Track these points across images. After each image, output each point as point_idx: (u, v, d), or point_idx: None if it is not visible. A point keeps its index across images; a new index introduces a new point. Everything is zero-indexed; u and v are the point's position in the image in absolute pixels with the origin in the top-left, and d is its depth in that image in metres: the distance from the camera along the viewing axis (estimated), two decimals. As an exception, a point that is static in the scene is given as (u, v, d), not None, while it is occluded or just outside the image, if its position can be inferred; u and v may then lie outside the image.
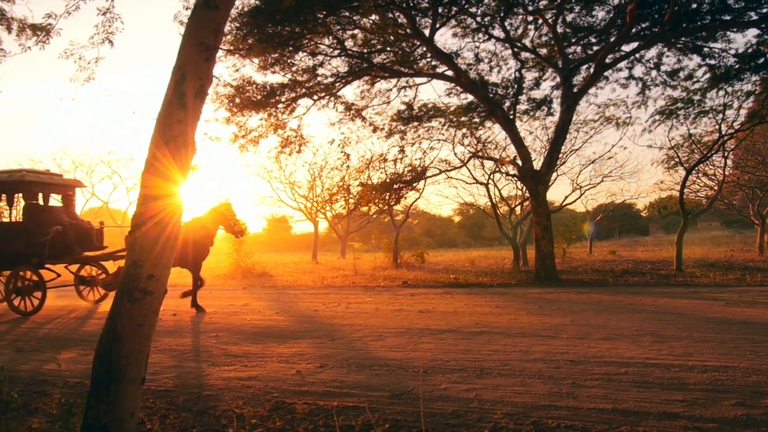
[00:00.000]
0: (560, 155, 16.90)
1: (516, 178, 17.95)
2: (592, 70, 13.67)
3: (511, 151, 15.90)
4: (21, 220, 9.49)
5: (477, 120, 16.84)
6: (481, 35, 14.52)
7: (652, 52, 14.56)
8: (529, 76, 15.90)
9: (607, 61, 13.41)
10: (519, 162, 14.14)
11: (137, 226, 2.76)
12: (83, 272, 10.68)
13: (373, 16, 12.64)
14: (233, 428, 3.50)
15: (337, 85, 14.78)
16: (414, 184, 16.77)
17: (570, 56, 14.33)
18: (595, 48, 14.34)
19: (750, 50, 13.09)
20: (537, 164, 14.39)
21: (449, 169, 17.38)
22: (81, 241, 9.98)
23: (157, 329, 3.18)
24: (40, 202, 9.76)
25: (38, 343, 6.66)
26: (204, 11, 2.90)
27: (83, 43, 5.14)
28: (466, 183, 20.28)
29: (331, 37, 13.30)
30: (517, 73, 15.11)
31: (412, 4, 12.58)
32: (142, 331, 2.72)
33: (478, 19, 13.86)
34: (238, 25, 12.29)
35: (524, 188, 18.69)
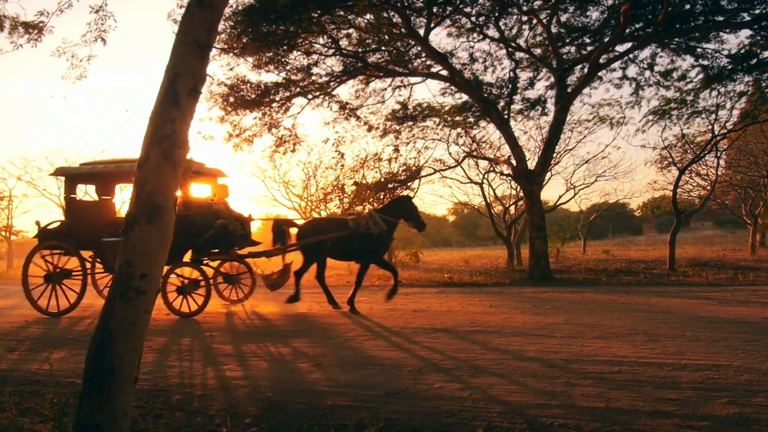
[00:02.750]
0: (554, 155, 16.93)
1: (510, 178, 18.01)
2: (586, 70, 13.72)
3: (506, 150, 15.94)
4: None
5: (471, 119, 16.86)
6: (475, 35, 14.55)
7: (645, 53, 14.65)
8: (524, 76, 15.94)
9: (601, 61, 13.46)
10: (513, 162, 14.17)
11: (130, 226, 2.75)
12: (225, 268, 9.92)
13: (368, 16, 12.64)
14: (227, 428, 3.49)
15: (331, 84, 14.77)
16: (409, 184, 16.78)
17: (564, 56, 14.37)
18: (589, 48, 14.39)
19: (743, 51, 13.19)
20: (531, 164, 14.41)
21: (444, 168, 17.41)
22: (240, 236, 9.30)
23: (150, 328, 3.17)
24: (190, 192, 9.07)
25: (31, 342, 6.62)
26: (198, 9, 2.89)
27: (76, 41, 5.11)
28: (461, 182, 20.28)
29: (325, 37, 13.28)
30: (511, 72, 15.14)
31: (406, 4, 12.57)
32: (135, 330, 2.71)
33: (473, 18, 13.87)
34: (232, 23, 12.25)
35: (518, 188, 18.72)
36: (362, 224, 8.32)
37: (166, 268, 8.51)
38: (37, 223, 9.65)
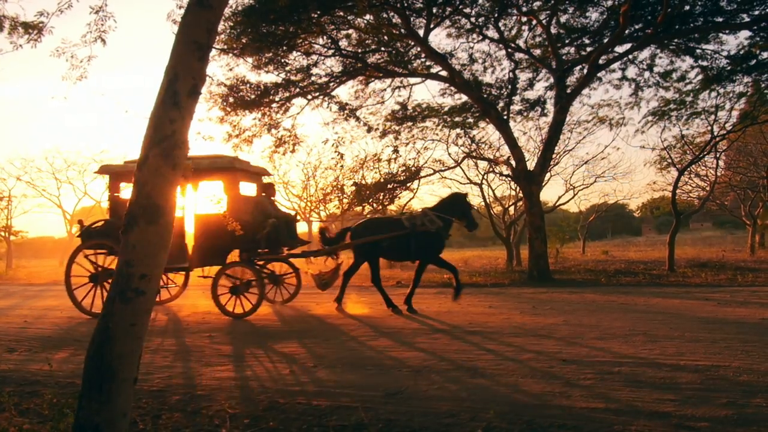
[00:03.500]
0: (553, 156, 16.94)
1: (509, 179, 18.00)
2: (585, 71, 13.73)
3: (505, 151, 15.96)
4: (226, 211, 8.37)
5: (471, 120, 16.87)
6: (475, 36, 14.56)
7: (645, 54, 14.67)
8: (523, 76, 15.94)
9: (601, 62, 13.47)
10: (513, 162, 14.17)
11: (130, 226, 2.75)
12: (269, 268, 9.56)
13: (368, 16, 12.65)
14: (226, 428, 3.49)
15: (331, 84, 14.77)
16: (408, 184, 16.79)
17: (564, 57, 14.38)
18: (588, 49, 14.40)
19: (742, 52, 13.20)
20: (530, 164, 14.42)
21: (443, 169, 17.42)
22: (290, 235, 9.04)
23: (149, 329, 3.17)
24: (240, 191, 8.89)
25: (30, 342, 6.61)
26: (197, 10, 2.89)
27: (75, 42, 5.11)
28: (460, 183, 20.28)
29: (325, 37, 13.28)
30: (510, 73, 15.14)
31: (406, 5, 12.58)
32: (134, 331, 2.71)
33: (473, 19, 13.88)
34: (231, 24, 12.25)
35: (518, 188, 18.73)
36: (418, 223, 8.20)
37: (216, 268, 8.48)
38: (80, 222, 9.44)
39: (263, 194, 9.10)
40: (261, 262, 8.82)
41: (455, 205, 8.55)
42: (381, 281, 8.65)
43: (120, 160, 32.19)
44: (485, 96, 14.84)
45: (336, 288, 8.94)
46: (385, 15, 12.77)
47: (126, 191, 9.24)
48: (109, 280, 8.55)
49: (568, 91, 13.76)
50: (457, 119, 16.68)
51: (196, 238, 8.58)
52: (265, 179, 9.77)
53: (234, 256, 8.86)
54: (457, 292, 8.31)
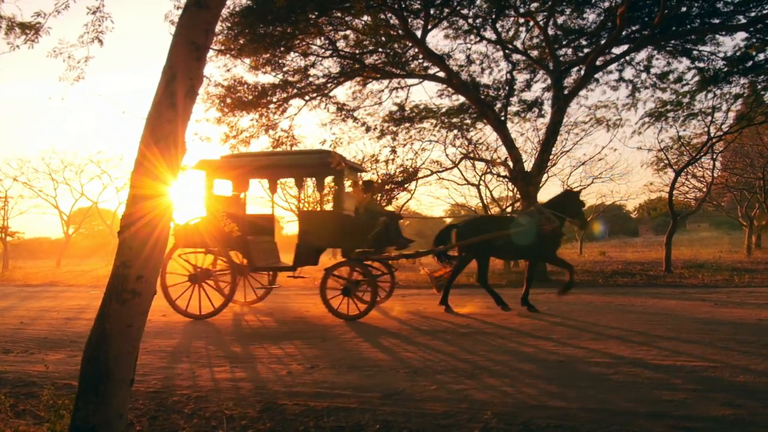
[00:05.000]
0: (551, 157, 16.97)
1: (507, 180, 18.03)
2: (582, 72, 13.76)
3: (503, 152, 15.97)
4: (332, 208, 8.15)
5: (468, 121, 16.90)
6: (472, 37, 14.59)
7: (642, 55, 14.73)
8: (521, 77, 15.99)
9: (598, 63, 13.51)
10: (510, 163, 14.19)
11: (126, 227, 2.74)
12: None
13: (365, 17, 12.65)
14: (223, 429, 3.48)
15: (328, 85, 14.78)
16: (405, 185, 16.80)
17: (561, 58, 14.42)
18: (585, 50, 14.44)
19: (738, 53, 13.25)
20: (528, 165, 14.44)
21: (441, 170, 17.44)
22: (397, 234, 8.66)
23: (146, 330, 3.16)
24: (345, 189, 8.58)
25: (26, 344, 6.59)
26: (195, 11, 2.89)
27: (72, 42, 5.09)
28: (458, 184, 20.33)
29: (323, 38, 13.29)
30: (508, 74, 15.18)
31: (404, 6, 12.60)
32: (130, 332, 2.70)
33: (470, 20, 13.91)
34: (229, 24, 12.25)
35: (515, 189, 18.75)
36: (534, 220, 8.01)
37: (322, 265, 8.32)
38: (173, 220, 9.23)
39: (365, 192, 8.78)
40: (369, 262, 8.41)
41: (568, 202, 8.30)
42: (488, 280, 8.48)
43: (117, 161, 32.27)
44: (483, 97, 14.86)
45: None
46: (382, 16, 12.78)
47: (220, 188, 9.03)
48: (209, 280, 8.41)
49: (566, 92, 13.79)
50: (454, 120, 16.69)
51: (300, 236, 8.24)
52: (364, 176, 9.48)
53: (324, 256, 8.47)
54: (567, 288, 8.15)
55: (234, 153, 10.35)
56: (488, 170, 18.47)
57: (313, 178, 8.68)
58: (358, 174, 9.51)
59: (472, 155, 17.78)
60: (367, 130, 16.29)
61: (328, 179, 8.43)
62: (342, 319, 7.74)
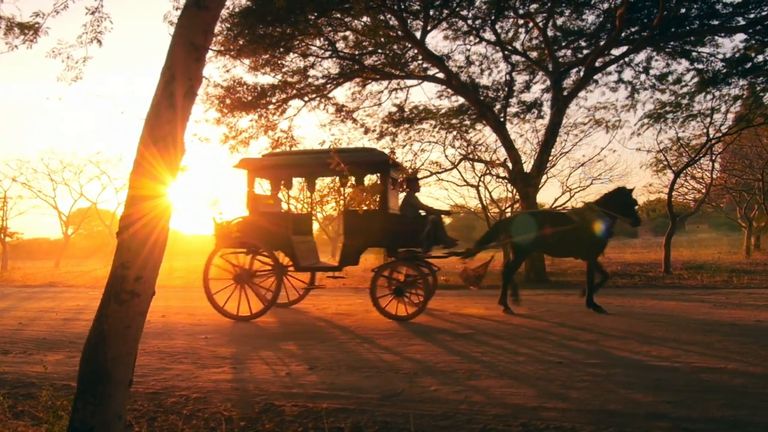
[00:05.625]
0: (550, 158, 16.97)
1: (506, 181, 18.03)
2: (581, 73, 13.77)
3: (502, 153, 15.97)
4: (378, 207, 7.98)
5: (468, 122, 16.89)
6: (472, 38, 14.60)
7: (641, 56, 14.71)
8: (520, 79, 15.99)
9: (597, 64, 13.52)
10: (509, 164, 14.19)
11: (125, 228, 2.74)
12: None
13: (365, 18, 12.66)
14: (222, 431, 3.48)
15: (328, 86, 14.78)
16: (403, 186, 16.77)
17: (560, 59, 14.43)
18: (585, 51, 14.44)
19: (737, 55, 13.26)
20: (527, 166, 14.45)
21: (440, 171, 17.42)
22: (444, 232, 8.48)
23: (145, 331, 3.16)
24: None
25: (25, 344, 6.58)
26: (194, 11, 2.89)
27: (71, 43, 5.09)
28: (457, 185, 20.30)
29: (322, 39, 13.29)
30: (507, 75, 15.19)
31: (403, 7, 12.60)
32: (129, 333, 2.70)
33: (469, 21, 13.92)
34: (228, 25, 12.25)
35: (514, 190, 18.76)
36: (588, 217, 7.89)
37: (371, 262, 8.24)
38: (215, 219, 9.15)
39: (408, 190, 8.56)
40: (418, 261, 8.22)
41: (620, 200, 8.12)
42: (512, 277, 8.37)
43: (116, 162, 32.27)
44: (482, 98, 14.87)
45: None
46: (382, 17, 12.79)
47: (260, 187, 8.96)
48: (255, 280, 8.29)
49: (565, 93, 13.79)
50: (454, 121, 16.70)
51: (346, 236, 8.16)
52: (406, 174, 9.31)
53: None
54: (594, 289, 8.05)
55: (275, 151, 10.25)
56: (487, 171, 18.46)
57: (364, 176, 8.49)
58: (401, 172, 9.35)
59: (471, 156, 17.78)
60: (366, 131, 16.29)
61: (380, 177, 8.25)
62: (393, 320, 7.60)
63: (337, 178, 8.97)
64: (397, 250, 8.08)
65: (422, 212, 8.35)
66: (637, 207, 8.31)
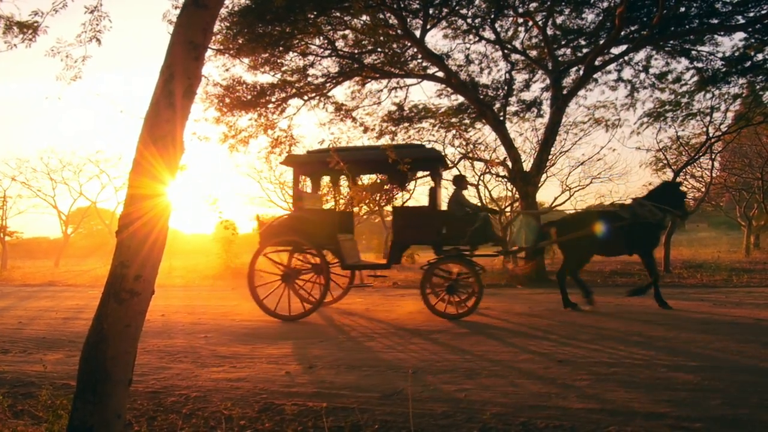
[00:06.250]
0: (550, 156, 16.98)
1: (506, 179, 18.04)
2: (581, 72, 13.77)
3: (501, 152, 15.99)
4: (428, 203, 7.96)
5: (467, 121, 16.89)
6: (471, 37, 14.59)
7: (640, 55, 14.70)
8: (519, 77, 15.99)
9: (597, 63, 13.51)
10: (509, 163, 14.19)
11: (124, 226, 2.74)
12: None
13: (364, 17, 12.64)
14: (222, 430, 3.48)
15: (327, 85, 14.77)
16: (405, 185, 16.77)
17: (560, 58, 14.43)
18: (584, 50, 14.44)
19: (737, 54, 13.25)
20: (527, 165, 14.45)
21: (439, 170, 17.39)
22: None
23: (144, 330, 3.16)
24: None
25: (24, 343, 6.58)
26: (193, 10, 2.88)
27: (70, 41, 5.08)
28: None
29: (321, 38, 13.28)
30: (507, 74, 15.18)
31: (402, 5, 12.59)
32: (128, 332, 2.69)
33: (469, 20, 13.92)
34: (228, 24, 12.24)
35: (514, 189, 18.76)
36: (638, 213, 7.77)
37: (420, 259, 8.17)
38: (258, 217, 8.88)
39: (456, 186, 8.46)
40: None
41: (669, 193, 8.04)
42: (566, 278, 8.30)
43: (116, 161, 32.25)
44: (482, 97, 14.86)
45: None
46: (381, 16, 12.78)
47: (306, 184, 8.85)
48: (301, 278, 8.23)
49: (564, 92, 13.79)
50: (453, 120, 16.69)
51: (396, 233, 8.07)
52: (454, 171, 9.41)
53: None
54: (641, 292, 8.03)
55: (322, 148, 10.18)
56: (487, 170, 18.47)
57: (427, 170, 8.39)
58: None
59: (471, 155, 17.78)
60: (366, 130, 16.28)
61: (431, 174, 8.17)
62: (444, 318, 7.51)
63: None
64: (443, 248, 8.01)
65: (468, 210, 8.23)
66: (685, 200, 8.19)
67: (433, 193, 7.96)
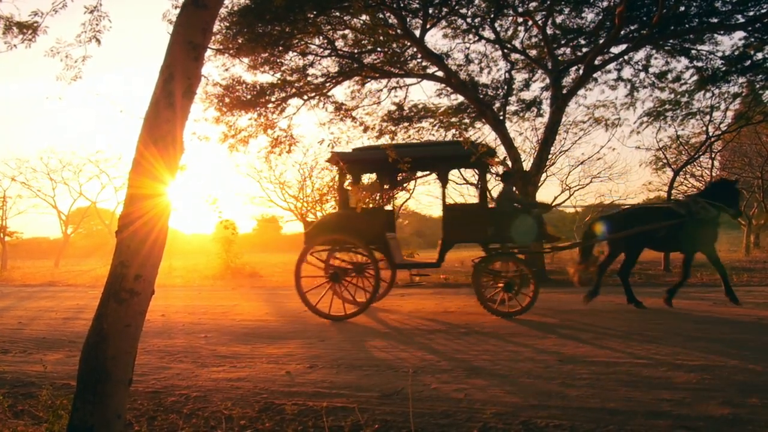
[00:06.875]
0: (549, 156, 16.99)
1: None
2: (581, 71, 13.76)
3: (501, 151, 15.98)
4: (478, 201, 7.88)
5: (467, 121, 16.89)
6: (471, 36, 14.59)
7: (640, 54, 14.71)
8: (519, 77, 15.99)
9: (596, 62, 13.51)
10: (509, 162, 14.19)
11: (124, 226, 2.74)
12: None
13: (364, 17, 12.64)
14: (222, 430, 3.47)
15: (327, 85, 14.76)
16: (404, 185, 16.78)
17: (559, 58, 14.42)
18: (584, 50, 14.44)
19: (736, 53, 13.26)
20: (527, 165, 14.44)
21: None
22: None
23: (144, 330, 3.16)
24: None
25: (24, 344, 6.58)
26: (192, 10, 2.88)
27: (70, 42, 5.07)
28: (456, 183, 20.30)
29: (321, 37, 13.28)
30: (507, 74, 15.19)
31: (402, 5, 12.59)
32: (129, 332, 2.69)
33: (469, 20, 13.91)
34: (227, 24, 12.23)
35: (514, 188, 18.76)
36: (694, 210, 7.68)
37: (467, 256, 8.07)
38: (305, 217, 8.80)
39: (504, 183, 8.39)
40: (522, 256, 7.96)
41: (725, 191, 7.93)
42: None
43: (116, 161, 32.24)
44: (481, 96, 14.86)
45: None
46: (381, 15, 12.77)
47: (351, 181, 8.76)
48: (349, 277, 8.10)
49: (564, 91, 13.79)
50: (453, 120, 16.69)
51: (446, 230, 7.90)
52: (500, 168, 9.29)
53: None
54: (731, 292, 7.90)
55: (368, 145, 10.09)
56: (487, 170, 18.45)
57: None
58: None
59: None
60: (366, 129, 16.27)
61: (480, 171, 8.10)
62: (497, 316, 7.46)
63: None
64: (490, 246, 7.93)
65: (517, 206, 8.17)
66: (740, 198, 8.12)
67: (483, 191, 7.81)
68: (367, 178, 14.27)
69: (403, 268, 8.35)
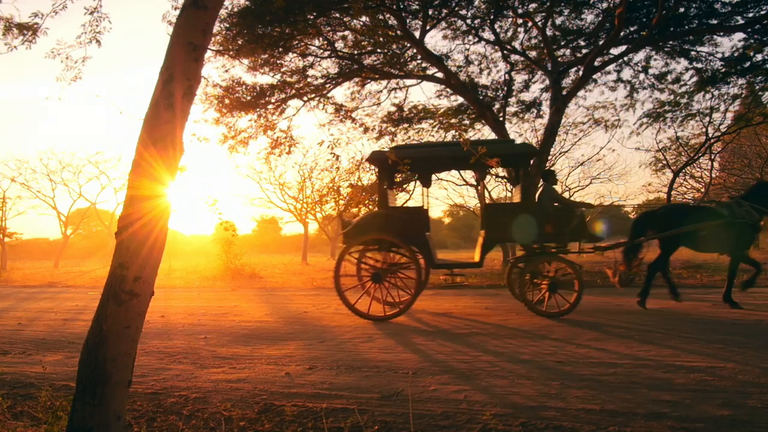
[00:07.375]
0: (549, 157, 17.00)
1: (505, 180, 18.04)
2: (581, 72, 13.77)
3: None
4: (519, 200, 7.81)
5: (467, 122, 16.91)
6: (471, 37, 14.61)
7: (640, 56, 14.74)
8: (519, 78, 16.03)
9: (596, 64, 13.52)
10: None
11: (124, 228, 2.73)
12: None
13: (364, 18, 12.66)
14: (221, 431, 3.47)
15: (327, 86, 14.79)
16: (404, 186, 16.80)
17: (559, 59, 14.44)
18: (584, 51, 14.46)
19: (736, 54, 13.28)
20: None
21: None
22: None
23: (144, 331, 3.16)
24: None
25: (24, 345, 6.57)
26: (192, 11, 2.88)
27: (70, 43, 5.08)
28: (456, 184, 20.34)
29: (321, 39, 13.30)
30: (506, 75, 15.21)
31: (402, 6, 12.60)
32: (128, 333, 2.69)
33: (468, 21, 13.93)
34: (227, 25, 12.25)
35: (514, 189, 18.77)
36: (736, 212, 7.64)
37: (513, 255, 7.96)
38: (341, 214, 8.72)
39: (546, 182, 8.28)
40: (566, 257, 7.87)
41: (767, 195, 7.88)
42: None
43: (115, 162, 32.24)
44: (481, 97, 14.88)
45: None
46: (380, 17, 12.80)
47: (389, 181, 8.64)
48: (392, 277, 7.98)
49: (564, 92, 13.80)
50: (453, 121, 16.72)
51: (488, 230, 7.80)
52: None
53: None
54: (750, 283, 8.01)
55: (408, 144, 9.94)
56: (487, 171, 18.46)
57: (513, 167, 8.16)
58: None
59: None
60: (366, 130, 16.31)
61: (522, 170, 7.97)
62: (542, 316, 7.44)
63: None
64: (532, 245, 7.89)
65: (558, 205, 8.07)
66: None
67: (526, 190, 7.80)
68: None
69: (442, 267, 8.26)
